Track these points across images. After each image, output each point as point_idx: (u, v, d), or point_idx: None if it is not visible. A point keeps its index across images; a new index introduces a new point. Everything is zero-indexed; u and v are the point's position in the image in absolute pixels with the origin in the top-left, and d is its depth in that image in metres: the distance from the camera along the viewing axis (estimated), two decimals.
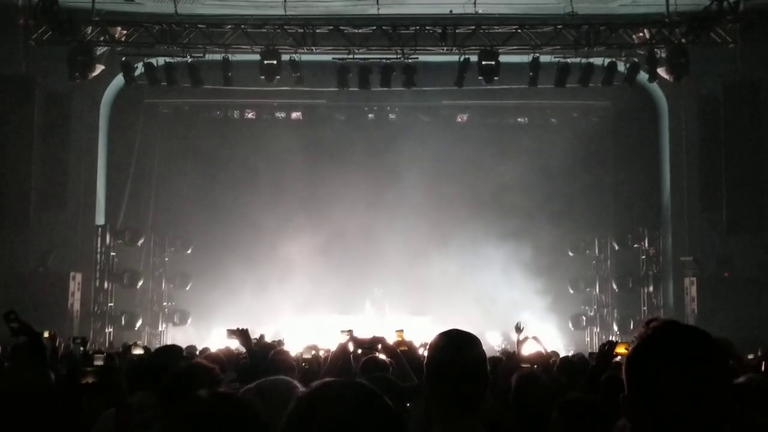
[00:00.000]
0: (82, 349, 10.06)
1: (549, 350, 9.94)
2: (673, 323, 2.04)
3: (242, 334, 6.11)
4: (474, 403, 2.97)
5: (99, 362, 7.40)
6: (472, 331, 3.04)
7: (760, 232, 19.55)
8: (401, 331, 6.41)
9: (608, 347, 4.96)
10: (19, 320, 5.93)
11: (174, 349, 5.57)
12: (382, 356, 5.64)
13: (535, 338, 6.45)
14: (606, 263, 22.30)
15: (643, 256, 21.42)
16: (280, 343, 12.18)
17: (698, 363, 1.92)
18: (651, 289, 21.10)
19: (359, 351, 5.67)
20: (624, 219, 21.98)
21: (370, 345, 5.30)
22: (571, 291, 22.17)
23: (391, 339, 6.40)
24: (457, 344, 3.04)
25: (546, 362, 4.95)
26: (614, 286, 21.67)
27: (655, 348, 1.97)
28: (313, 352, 8.15)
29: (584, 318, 22.01)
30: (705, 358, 1.93)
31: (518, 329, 8.11)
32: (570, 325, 21.82)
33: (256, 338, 6.79)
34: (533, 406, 4.24)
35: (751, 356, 11.27)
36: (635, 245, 21.58)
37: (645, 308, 21.01)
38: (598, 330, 21.69)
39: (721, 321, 17.36)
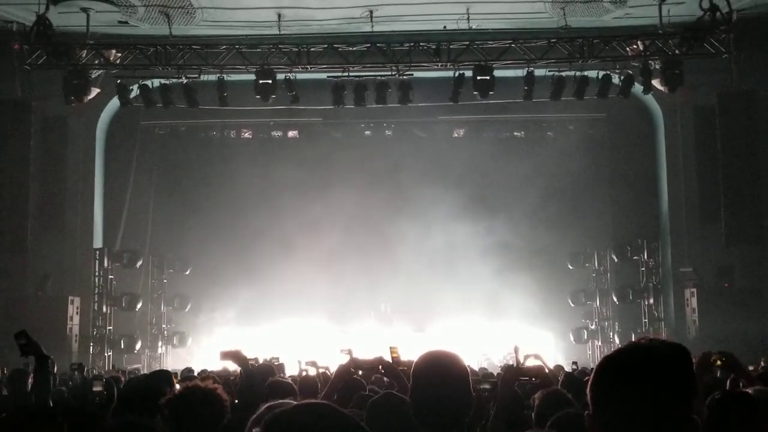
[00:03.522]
0: (78, 374, 10.03)
1: (552, 366, 9.89)
2: (640, 344, 2.03)
3: (236, 355, 6.03)
4: (458, 420, 2.96)
5: (98, 388, 7.38)
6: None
7: (759, 242, 19.51)
8: (396, 347, 6.33)
9: None
10: (29, 340, 6.04)
11: (164, 374, 5.54)
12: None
13: (536, 356, 6.39)
14: (606, 276, 22.24)
15: (643, 268, 21.36)
16: (280, 367, 12.09)
17: (654, 383, 1.91)
18: (651, 301, 21.03)
19: (360, 372, 5.61)
20: (622, 231, 21.94)
21: (371, 366, 5.23)
22: (572, 304, 22.09)
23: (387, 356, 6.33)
24: (438, 363, 3.08)
25: (546, 376, 4.88)
26: (614, 299, 21.60)
27: (613, 368, 1.98)
28: (311, 368, 8.09)
29: (585, 331, 21.92)
30: (662, 379, 1.92)
31: (516, 352, 8.02)
32: (571, 339, 21.74)
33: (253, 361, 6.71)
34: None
35: (751, 367, 11.22)
36: (634, 257, 21.54)
37: (646, 320, 20.95)
38: (600, 343, 21.60)
39: (722, 331, 17.29)
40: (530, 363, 7.17)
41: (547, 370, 7.75)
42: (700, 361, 4.62)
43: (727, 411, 3.61)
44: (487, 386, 5.26)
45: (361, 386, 5.57)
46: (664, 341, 2.05)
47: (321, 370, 9.31)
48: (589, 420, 1.98)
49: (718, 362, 4.58)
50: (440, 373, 3.00)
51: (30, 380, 8.27)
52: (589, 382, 2.01)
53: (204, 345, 21.33)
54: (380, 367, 5.41)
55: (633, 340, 2.00)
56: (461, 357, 3.14)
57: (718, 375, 5.45)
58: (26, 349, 6.00)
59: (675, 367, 1.96)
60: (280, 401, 3.32)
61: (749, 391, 3.79)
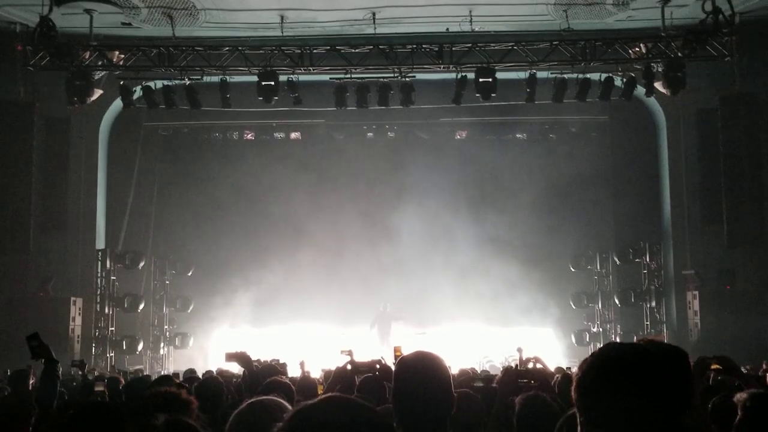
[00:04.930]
0: (80, 373, 10.06)
1: (553, 368, 9.88)
2: (617, 346, 2.10)
3: (241, 357, 6.06)
4: (440, 420, 2.99)
5: (100, 388, 7.41)
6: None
7: (761, 245, 19.51)
8: (399, 347, 6.36)
9: None
10: (41, 342, 6.16)
11: (145, 379, 5.57)
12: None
13: (536, 359, 6.40)
14: (608, 278, 22.22)
15: (645, 271, 21.33)
16: (283, 366, 12.11)
17: (629, 386, 1.95)
18: (653, 303, 21.00)
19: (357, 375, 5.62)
20: (624, 233, 21.91)
21: (369, 368, 5.25)
22: (574, 307, 22.08)
23: (390, 356, 6.36)
24: (420, 364, 3.10)
25: (545, 378, 4.89)
26: (616, 301, 21.57)
27: (605, 370, 2.03)
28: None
29: (587, 334, 21.90)
30: (637, 382, 1.96)
31: (519, 351, 8.05)
32: (573, 341, 21.72)
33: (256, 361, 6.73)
34: (539, 427, 4.19)
35: (747, 368, 11.23)
36: (636, 260, 21.50)
37: (648, 323, 20.92)
38: (602, 346, 21.55)
39: (724, 334, 17.31)
40: (530, 366, 7.18)
41: (548, 373, 7.78)
42: (695, 366, 4.64)
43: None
44: (480, 384, 5.27)
45: (382, 390, 5.55)
46: (662, 343, 2.07)
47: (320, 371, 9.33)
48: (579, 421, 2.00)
49: (715, 366, 4.59)
50: (421, 374, 3.03)
51: (31, 380, 8.31)
52: (574, 387, 2.03)
53: (206, 346, 21.35)
54: (377, 368, 5.43)
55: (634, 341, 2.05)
56: (442, 358, 3.16)
57: (719, 378, 5.46)
58: (37, 352, 6.10)
59: (672, 369, 1.97)
60: (262, 397, 3.34)
61: (745, 394, 3.80)
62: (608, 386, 1.97)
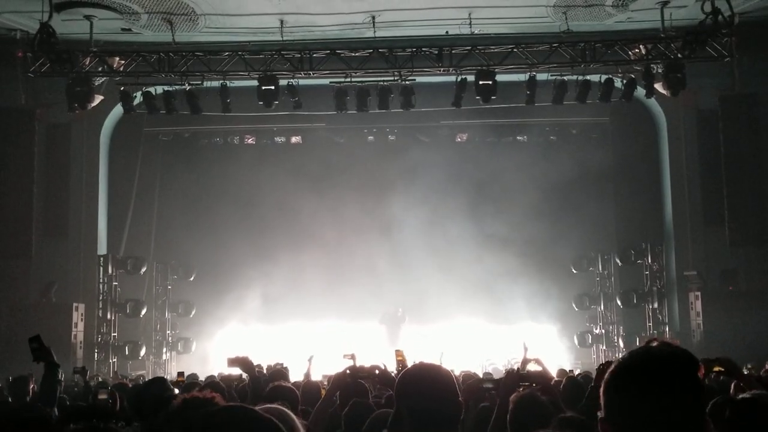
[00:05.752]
0: (80, 378, 10.06)
1: (555, 370, 9.91)
2: (651, 347, 2.07)
3: (243, 362, 6.06)
4: (451, 426, 3.01)
5: (103, 396, 7.42)
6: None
7: (763, 245, 19.50)
8: (401, 351, 6.38)
9: (605, 367, 4.90)
10: (42, 345, 6.16)
11: (159, 381, 5.57)
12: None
13: (537, 361, 6.42)
14: (610, 280, 22.21)
15: (647, 272, 21.33)
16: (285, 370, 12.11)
17: (668, 389, 1.95)
18: (656, 304, 20.99)
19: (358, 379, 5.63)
20: (626, 235, 21.90)
21: (367, 374, 5.26)
22: (576, 308, 22.07)
23: (391, 359, 6.38)
24: (426, 374, 3.12)
25: (547, 381, 4.89)
26: (618, 303, 21.56)
27: (627, 374, 2.01)
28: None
29: (590, 336, 21.90)
30: (675, 385, 1.96)
31: (525, 348, 8.14)
32: (576, 343, 21.71)
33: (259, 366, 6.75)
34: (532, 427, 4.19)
35: (749, 366, 11.22)
36: (638, 261, 21.50)
37: (650, 324, 20.91)
38: (605, 347, 21.58)
39: (727, 335, 17.28)
40: (531, 368, 7.20)
41: (548, 375, 7.79)
42: None
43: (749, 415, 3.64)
44: (489, 385, 5.28)
45: (363, 391, 5.57)
46: (676, 346, 2.08)
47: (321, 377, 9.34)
48: (602, 425, 2.00)
49: (717, 368, 4.59)
50: (429, 383, 3.04)
51: (31, 387, 8.31)
52: (603, 387, 2.03)
53: (208, 351, 21.34)
54: (377, 374, 5.44)
55: (644, 342, 2.05)
56: (444, 368, 3.19)
57: (721, 378, 5.46)
58: (38, 354, 6.09)
59: (692, 373, 1.98)
60: (268, 406, 3.33)
61: (748, 395, 3.80)
62: (630, 390, 1.97)
